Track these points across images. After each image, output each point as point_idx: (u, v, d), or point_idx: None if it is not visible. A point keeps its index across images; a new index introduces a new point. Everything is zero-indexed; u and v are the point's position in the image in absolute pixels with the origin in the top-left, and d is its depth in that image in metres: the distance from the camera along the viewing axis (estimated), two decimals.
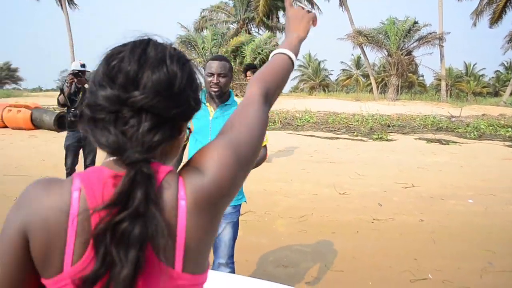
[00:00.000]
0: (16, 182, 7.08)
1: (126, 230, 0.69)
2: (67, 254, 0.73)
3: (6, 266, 0.75)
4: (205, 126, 2.63)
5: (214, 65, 2.58)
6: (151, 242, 0.71)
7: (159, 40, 0.85)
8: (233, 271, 2.85)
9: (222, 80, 2.59)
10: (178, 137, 0.86)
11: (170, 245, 0.74)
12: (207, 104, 2.70)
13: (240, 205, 2.83)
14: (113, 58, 0.81)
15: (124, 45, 0.83)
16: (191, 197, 0.78)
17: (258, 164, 2.64)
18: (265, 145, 2.74)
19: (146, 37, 0.85)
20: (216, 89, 2.58)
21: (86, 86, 5.67)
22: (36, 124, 13.68)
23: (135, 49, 0.81)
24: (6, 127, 14.03)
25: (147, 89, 0.77)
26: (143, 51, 0.81)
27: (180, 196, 0.78)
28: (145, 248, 0.70)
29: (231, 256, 2.80)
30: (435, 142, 12.19)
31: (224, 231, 2.76)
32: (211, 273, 1.90)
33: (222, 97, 2.67)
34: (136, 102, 0.76)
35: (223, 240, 2.77)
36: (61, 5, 36.64)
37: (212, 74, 2.58)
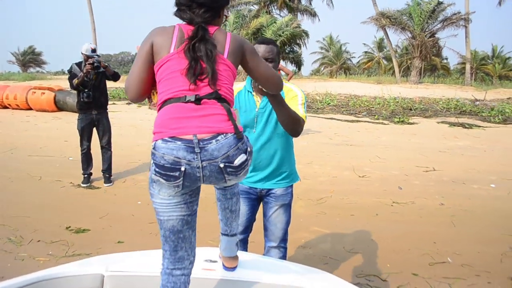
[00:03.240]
0: (40, 162, 7.28)
1: (200, 45, 1.50)
2: (172, 47, 1.54)
3: (140, 60, 1.61)
4: (252, 120, 2.47)
5: (261, 49, 2.35)
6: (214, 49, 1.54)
7: None
8: (284, 256, 2.71)
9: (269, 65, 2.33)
10: (218, 19, 1.68)
11: (222, 49, 1.57)
12: (253, 93, 2.50)
13: (291, 186, 2.66)
14: None
15: None
16: (231, 37, 1.63)
17: (296, 129, 2.39)
18: (303, 119, 2.40)
19: None
20: None
21: (106, 67, 5.86)
22: (59, 106, 13.98)
23: None
24: (30, 109, 14.38)
25: None
26: None
27: (227, 35, 1.62)
28: (211, 49, 1.52)
29: (283, 240, 2.68)
30: (458, 126, 11.96)
31: (275, 213, 2.62)
32: (242, 254, 1.92)
33: None
34: (198, 1, 1.58)
35: (273, 223, 2.64)
36: None
37: None
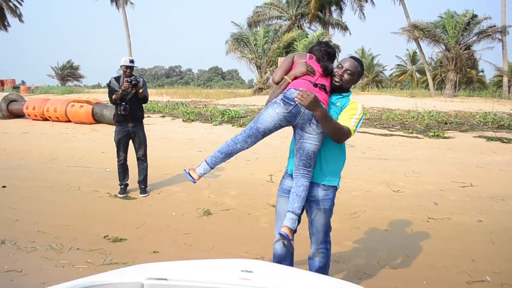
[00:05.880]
0: (79, 173, 7.52)
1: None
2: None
3: (285, 67, 2.86)
4: None
5: (347, 62, 2.83)
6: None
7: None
8: (326, 257, 2.96)
9: (346, 76, 2.79)
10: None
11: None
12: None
13: (332, 191, 2.87)
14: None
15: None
16: None
17: (338, 139, 2.79)
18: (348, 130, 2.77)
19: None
20: (337, 80, 2.80)
21: (140, 91, 5.99)
22: (97, 119, 14.42)
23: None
24: (69, 121, 14.89)
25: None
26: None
27: None
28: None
29: (323, 242, 2.93)
30: (496, 140, 11.59)
31: (316, 216, 2.86)
32: (264, 265, 1.97)
33: (339, 90, 2.85)
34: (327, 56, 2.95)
35: (315, 226, 2.89)
36: (116, 5, 38.36)
37: (341, 67, 2.81)
